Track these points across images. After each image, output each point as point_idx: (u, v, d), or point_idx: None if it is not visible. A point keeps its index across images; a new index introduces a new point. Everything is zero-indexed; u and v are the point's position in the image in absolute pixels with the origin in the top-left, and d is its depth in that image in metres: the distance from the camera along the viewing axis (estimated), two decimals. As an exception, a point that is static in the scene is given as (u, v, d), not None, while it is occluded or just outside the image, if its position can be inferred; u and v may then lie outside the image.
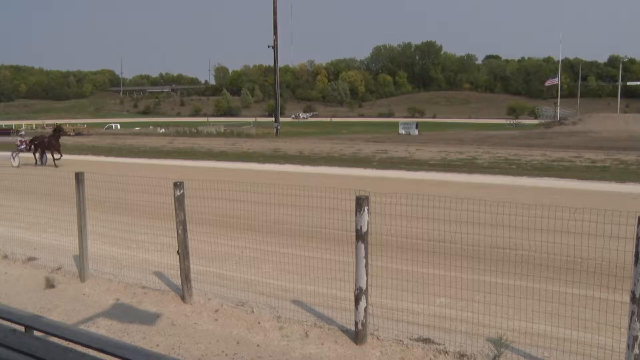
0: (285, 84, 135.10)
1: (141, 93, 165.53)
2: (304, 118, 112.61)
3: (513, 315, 4.57)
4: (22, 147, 21.26)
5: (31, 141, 21.41)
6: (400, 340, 4.26)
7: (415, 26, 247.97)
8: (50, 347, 1.65)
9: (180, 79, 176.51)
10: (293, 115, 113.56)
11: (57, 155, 20.25)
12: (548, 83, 73.03)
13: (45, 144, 20.74)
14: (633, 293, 3.36)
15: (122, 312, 5.14)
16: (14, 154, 20.56)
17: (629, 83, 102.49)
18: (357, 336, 4.31)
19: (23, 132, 25.62)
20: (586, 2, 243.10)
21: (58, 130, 21.30)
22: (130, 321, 4.90)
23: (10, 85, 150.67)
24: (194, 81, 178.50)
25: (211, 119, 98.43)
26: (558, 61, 79.02)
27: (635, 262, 3.34)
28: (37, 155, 20.87)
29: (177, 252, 5.27)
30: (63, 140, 23.28)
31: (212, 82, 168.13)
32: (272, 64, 53.55)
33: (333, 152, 26.10)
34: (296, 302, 5.17)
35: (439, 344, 4.17)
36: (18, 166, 19.58)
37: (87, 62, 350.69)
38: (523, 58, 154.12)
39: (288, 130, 51.04)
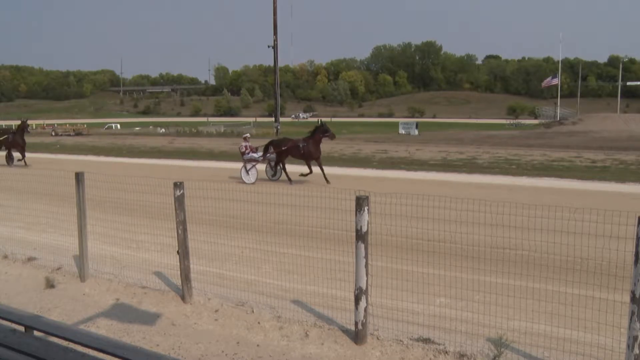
0: (285, 84, 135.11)
1: (141, 93, 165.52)
2: (304, 118, 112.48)
3: (513, 315, 4.57)
4: (255, 155, 15.01)
5: (268, 146, 14.98)
6: (400, 340, 4.26)
7: (415, 26, 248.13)
8: (50, 347, 1.65)
9: (180, 79, 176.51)
10: (293, 115, 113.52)
11: (305, 170, 14.25)
12: (545, 84, 72.84)
13: (301, 151, 14.49)
14: (633, 293, 3.36)
15: (122, 312, 5.14)
16: (248, 167, 14.61)
17: (629, 83, 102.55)
18: (357, 336, 4.31)
19: (248, 135, 16.63)
20: (586, 2, 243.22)
21: (323, 131, 14.76)
22: (130, 321, 4.90)
23: (10, 85, 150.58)
24: (194, 81, 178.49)
25: (211, 119, 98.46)
26: (558, 61, 79.06)
27: (635, 262, 3.34)
28: (270, 164, 15.08)
29: (177, 252, 5.27)
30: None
31: (212, 82, 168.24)
32: (272, 64, 53.54)
33: (333, 152, 26.07)
34: (296, 302, 5.17)
35: (439, 344, 4.17)
36: (254, 183, 13.99)
37: (87, 62, 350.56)
38: (523, 58, 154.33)
39: (288, 130, 50.96)
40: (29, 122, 21.85)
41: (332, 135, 15.00)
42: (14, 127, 26.98)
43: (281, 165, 14.86)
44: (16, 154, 20.37)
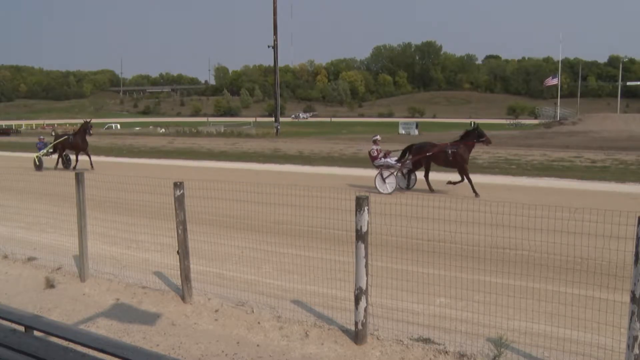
0: (285, 84, 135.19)
1: (141, 93, 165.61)
2: (304, 118, 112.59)
3: (513, 315, 4.56)
4: (389, 160, 12.84)
5: (406, 150, 13.06)
6: (400, 340, 4.26)
7: (415, 26, 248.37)
8: (50, 347, 1.65)
9: (180, 79, 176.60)
10: (293, 115, 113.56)
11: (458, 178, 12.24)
12: (547, 83, 72.98)
13: (449, 157, 12.34)
14: (633, 293, 3.36)
15: (122, 312, 5.14)
16: (385, 174, 12.45)
17: (629, 83, 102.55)
18: (357, 336, 4.30)
19: (378, 137, 13.82)
20: (586, 2, 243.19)
21: (478, 135, 12.48)
22: (131, 321, 4.90)
23: (10, 85, 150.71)
24: (194, 81, 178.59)
25: (211, 119, 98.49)
26: (558, 61, 79.14)
27: (635, 262, 3.34)
28: (403, 171, 12.92)
29: (177, 252, 5.27)
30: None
31: (212, 82, 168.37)
32: (272, 64, 53.59)
33: (333, 152, 26.11)
34: (296, 302, 5.17)
35: (439, 344, 4.17)
36: (391, 193, 11.95)
37: (87, 62, 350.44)
38: (523, 58, 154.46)
39: (288, 130, 51.06)
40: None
41: (488, 141, 12.60)
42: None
43: (408, 173, 12.96)
44: (83, 157, 18.76)
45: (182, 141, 37.20)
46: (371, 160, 13.22)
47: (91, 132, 18.88)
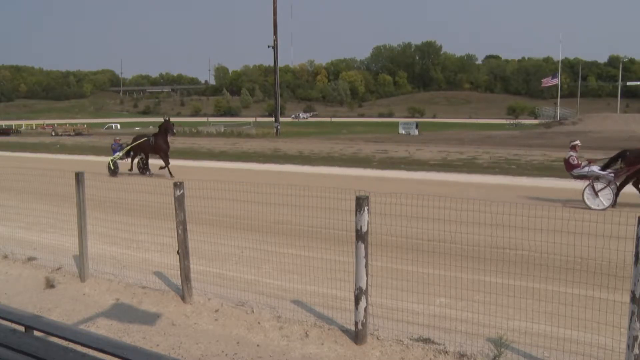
0: (285, 84, 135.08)
1: (141, 93, 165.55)
2: (304, 118, 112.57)
3: (513, 315, 4.57)
4: (595, 169, 10.75)
5: (618, 157, 10.86)
6: (400, 340, 4.26)
7: (415, 26, 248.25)
8: (50, 347, 1.65)
9: (180, 79, 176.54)
10: (293, 115, 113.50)
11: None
12: (545, 83, 72.94)
13: None
14: (633, 293, 3.36)
15: (122, 312, 5.14)
16: (598, 187, 10.39)
17: (629, 83, 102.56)
18: (357, 336, 4.31)
19: (578, 142, 11.69)
20: (586, 2, 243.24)
21: None
22: (131, 321, 4.90)
23: (10, 85, 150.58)
24: (194, 81, 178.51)
25: (211, 119, 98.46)
26: (558, 61, 79.19)
27: (635, 262, 3.34)
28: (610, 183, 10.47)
29: (177, 252, 5.27)
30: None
31: (212, 82, 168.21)
32: (272, 64, 53.62)
33: (333, 152, 26.11)
34: (296, 302, 5.17)
35: (439, 344, 4.17)
36: (605, 209, 9.97)
37: (87, 62, 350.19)
38: (523, 58, 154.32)
39: (288, 130, 51.07)
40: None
41: None
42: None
43: (620, 185, 10.59)
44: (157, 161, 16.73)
45: (182, 141, 37.17)
46: (568, 169, 11.31)
47: (175, 131, 17.04)
